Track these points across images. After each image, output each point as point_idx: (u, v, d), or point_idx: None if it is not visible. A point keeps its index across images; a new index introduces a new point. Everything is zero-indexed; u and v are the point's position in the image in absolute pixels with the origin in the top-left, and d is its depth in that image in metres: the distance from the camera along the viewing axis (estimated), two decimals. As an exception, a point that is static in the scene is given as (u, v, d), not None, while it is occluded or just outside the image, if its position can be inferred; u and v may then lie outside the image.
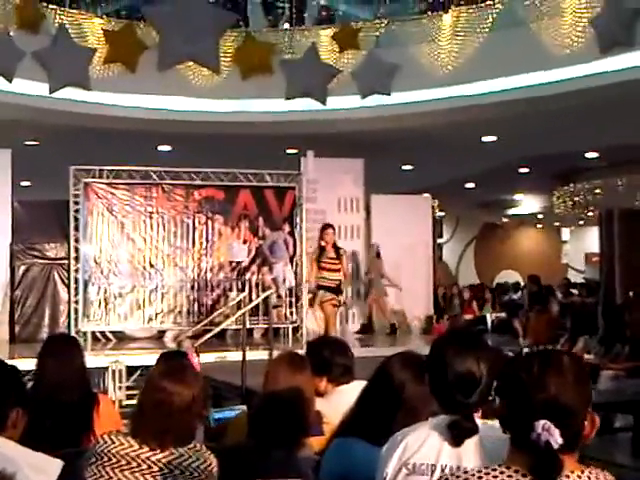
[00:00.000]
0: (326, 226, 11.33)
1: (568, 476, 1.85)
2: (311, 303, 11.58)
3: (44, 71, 12.26)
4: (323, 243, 11.11)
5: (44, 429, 3.67)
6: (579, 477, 1.86)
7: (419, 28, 13.15)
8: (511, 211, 25.24)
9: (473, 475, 1.92)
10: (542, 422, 1.82)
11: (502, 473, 1.89)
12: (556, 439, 1.80)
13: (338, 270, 11.00)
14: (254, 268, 13.97)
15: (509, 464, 1.91)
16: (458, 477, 1.95)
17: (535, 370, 1.90)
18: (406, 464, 2.38)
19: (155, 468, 2.90)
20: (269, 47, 13.41)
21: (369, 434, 2.92)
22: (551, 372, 1.89)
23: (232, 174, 13.88)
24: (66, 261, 13.24)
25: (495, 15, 12.35)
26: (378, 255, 14.70)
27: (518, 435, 1.91)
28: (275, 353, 7.79)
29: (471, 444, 2.35)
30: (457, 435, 2.34)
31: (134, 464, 2.91)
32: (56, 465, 2.73)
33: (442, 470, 2.31)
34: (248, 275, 13.91)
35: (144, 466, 2.91)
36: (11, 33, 12.11)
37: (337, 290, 11.05)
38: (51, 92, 12.29)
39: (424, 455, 2.37)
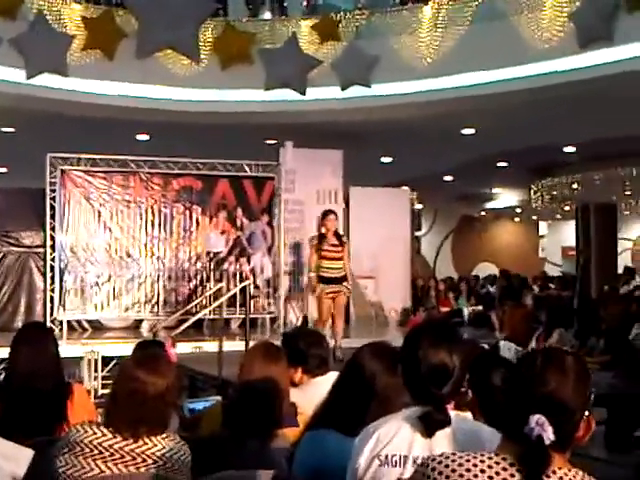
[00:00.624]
0: (328, 212, 10.48)
1: (555, 472, 1.85)
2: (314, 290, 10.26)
3: (21, 57, 12.15)
4: (324, 230, 10.23)
5: (17, 418, 3.66)
6: (565, 475, 1.87)
7: (399, 20, 13.14)
8: (489, 204, 25.33)
9: (461, 458, 1.93)
10: (537, 417, 1.83)
11: (490, 459, 1.90)
12: (548, 435, 1.81)
13: (340, 258, 10.11)
14: (232, 258, 13.95)
15: (498, 452, 1.92)
16: (447, 458, 1.95)
17: (537, 365, 1.92)
18: (378, 455, 2.39)
19: (128, 458, 2.89)
20: (249, 37, 13.35)
21: (342, 425, 2.92)
22: (553, 369, 1.91)
23: (210, 164, 13.84)
24: (42, 249, 13.16)
25: (475, 8, 12.35)
26: None
27: (511, 426, 1.91)
28: (252, 344, 7.78)
29: (443, 436, 2.35)
30: (429, 426, 2.35)
31: (107, 454, 2.90)
32: (27, 454, 2.72)
33: (414, 462, 2.31)
34: (226, 265, 13.89)
35: (117, 456, 2.89)
36: (-12, 19, 12.00)
37: (341, 280, 10.07)
38: (28, 78, 12.18)
39: (396, 446, 2.37)
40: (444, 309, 16.19)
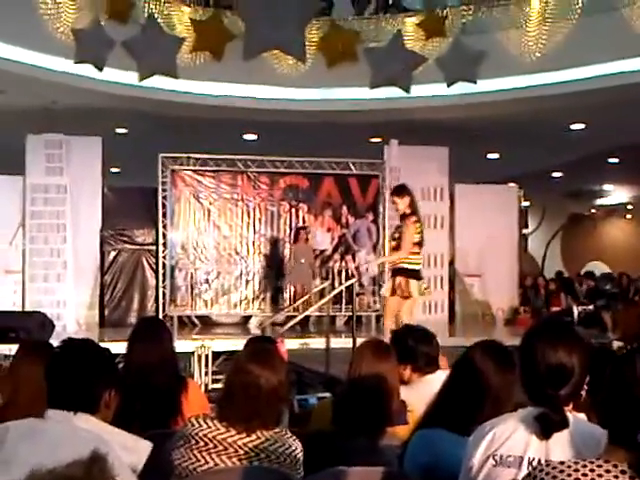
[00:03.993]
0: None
1: None
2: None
3: (133, 60, 12.48)
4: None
5: (134, 411, 3.72)
6: None
7: (506, 14, 12.93)
8: (599, 201, 24.68)
9: (569, 467, 1.86)
10: None
11: (599, 467, 1.82)
12: None
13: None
14: (337, 256, 14.02)
15: (607, 458, 1.84)
16: (554, 469, 1.90)
17: (638, 367, 1.82)
18: (493, 455, 2.36)
19: (242, 452, 2.93)
20: (354, 35, 13.36)
21: (453, 424, 2.91)
22: None
23: (316, 162, 13.93)
24: (154, 247, 13.52)
25: (585, 0, 12.05)
26: (306, 240, 13.54)
27: (619, 432, 1.84)
28: (358, 341, 7.78)
29: (560, 438, 2.29)
30: (546, 428, 2.29)
31: (221, 447, 2.94)
32: (146, 446, 2.79)
33: (529, 463, 2.26)
34: (331, 263, 13.97)
35: (231, 450, 2.94)
36: (102, 22, 12.36)
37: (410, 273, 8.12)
38: (140, 80, 12.48)
39: (511, 447, 2.34)
40: (554, 308, 15.82)
